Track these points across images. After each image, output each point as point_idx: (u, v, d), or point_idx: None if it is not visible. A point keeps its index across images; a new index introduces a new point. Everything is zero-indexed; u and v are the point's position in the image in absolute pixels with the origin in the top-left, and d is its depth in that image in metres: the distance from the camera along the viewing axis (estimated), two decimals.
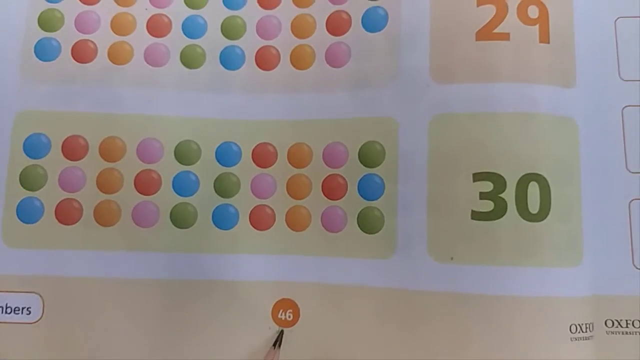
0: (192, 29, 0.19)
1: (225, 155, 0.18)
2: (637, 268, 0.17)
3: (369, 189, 0.18)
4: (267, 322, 0.17)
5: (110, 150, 0.18)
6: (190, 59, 0.19)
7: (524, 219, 0.17)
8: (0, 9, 0.19)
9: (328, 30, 0.19)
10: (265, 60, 0.19)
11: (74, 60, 0.19)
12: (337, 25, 0.18)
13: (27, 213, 0.18)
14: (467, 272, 0.17)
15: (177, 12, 0.19)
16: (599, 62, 0.18)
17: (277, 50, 0.19)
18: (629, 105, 0.18)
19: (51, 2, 0.19)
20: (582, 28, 0.18)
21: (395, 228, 0.17)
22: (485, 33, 0.17)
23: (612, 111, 0.18)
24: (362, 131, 0.18)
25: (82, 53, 0.19)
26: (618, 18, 0.19)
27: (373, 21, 0.18)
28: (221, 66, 0.19)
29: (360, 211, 0.18)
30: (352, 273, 0.17)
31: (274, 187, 0.18)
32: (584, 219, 0.17)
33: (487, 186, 0.17)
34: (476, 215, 0.17)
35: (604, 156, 0.18)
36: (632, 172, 0.18)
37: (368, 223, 0.18)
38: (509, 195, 0.17)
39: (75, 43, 0.19)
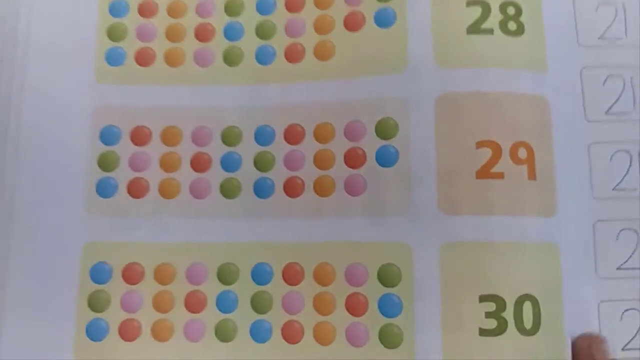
0: (229, 163, 0.20)
1: (260, 275, 0.19)
2: None
3: (388, 307, 0.19)
4: None
5: (163, 275, 0.20)
6: (228, 191, 0.20)
7: (521, 334, 0.18)
8: (64, 155, 0.20)
9: (346, 163, 0.20)
10: (292, 189, 0.20)
11: (129, 196, 0.20)
12: (353, 160, 0.20)
13: (95, 332, 0.19)
14: None
15: (216, 148, 0.20)
16: (575, 187, 0.19)
17: (302, 180, 0.20)
18: (599, 220, 0.19)
19: (107, 144, 0.21)
20: (560, 160, 0.19)
21: (413, 343, 0.18)
22: (484, 172, 0.18)
23: (586, 227, 0.19)
24: (379, 254, 0.19)
25: (136, 190, 0.20)
26: (591, 144, 0.20)
27: (385, 158, 0.19)
28: (255, 196, 0.20)
29: (381, 327, 0.18)
30: None
31: (302, 303, 0.19)
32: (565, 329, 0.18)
33: (491, 307, 0.18)
34: (483, 332, 0.18)
35: (579, 267, 0.19)
36: (602, 278, 0.19)
37: (388, 338, 0.18)
38: (509, 314, 0.18)
39: (130, 181, 0.20)
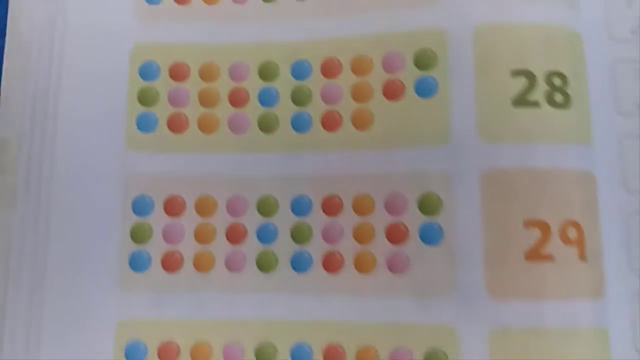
0: (265, 235, 0.19)
1: (299, 356, 0.18)
2: None
3: None
4: None
5: (198, 355, 0.18)
6: (264, 264, 0.19)
7: None
8: (96, 227, 0.19)
9: (388, 239, 0.19)
10: (331, 264, 0.19)
11: (163, 270, 0.19)
12: (395, 235, 0.19)
13: None
14: None
15: (251, 219, 0.19)
16: (617, 263, 0.18)
17: (341, 255, 0.19)
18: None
19: (140, 215, 0.20)
20: (604, 237, 0.18)
21: None
22: (533, 254, 0.17)
23: (628, 304, 0.18)
24: (425, 337, 0.18)
25: (170, 263, 0.19)
26: (630, 215, 0.19)
27: (429, 235, 0.18)
28: (292, 270, 0.19)
29: None
30: None
31: None
32: None
33: None
34: None
35: (625, 348, 0.18)
36: (637, 351, 0.18)
37: None
38: None
39: (164, 254, 0.19)
